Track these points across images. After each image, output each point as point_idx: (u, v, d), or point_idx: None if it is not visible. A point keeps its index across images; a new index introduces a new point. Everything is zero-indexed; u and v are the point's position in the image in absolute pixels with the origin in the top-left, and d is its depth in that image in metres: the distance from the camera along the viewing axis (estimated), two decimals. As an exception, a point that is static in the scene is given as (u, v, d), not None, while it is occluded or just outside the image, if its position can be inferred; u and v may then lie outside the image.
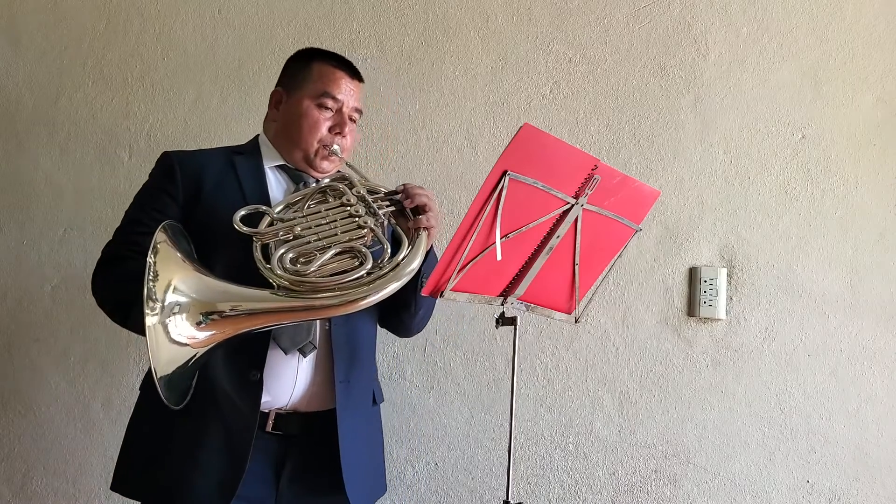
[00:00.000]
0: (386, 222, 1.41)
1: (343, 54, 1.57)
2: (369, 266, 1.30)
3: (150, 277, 1.19)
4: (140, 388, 1.53)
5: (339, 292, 1.27)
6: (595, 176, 1.42)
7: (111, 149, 2.12)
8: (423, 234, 1.39)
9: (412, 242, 1.38)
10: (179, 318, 1.22)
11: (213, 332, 1.26)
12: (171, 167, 1.50)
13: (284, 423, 1.45)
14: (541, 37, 2.17)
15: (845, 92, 2.13)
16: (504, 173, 1.34)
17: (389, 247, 1.36)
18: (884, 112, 2.12)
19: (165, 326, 1.21)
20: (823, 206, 2.10)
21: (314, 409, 1.48)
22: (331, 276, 1.29)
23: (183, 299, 1.23)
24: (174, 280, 1.24)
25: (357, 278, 1.29)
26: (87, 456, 2.05)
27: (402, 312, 1.57)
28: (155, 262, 1.21)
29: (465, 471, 2.06)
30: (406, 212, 1.42)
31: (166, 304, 1.21)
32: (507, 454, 1.47)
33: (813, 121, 2.12)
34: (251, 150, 1.59)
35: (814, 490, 2.03)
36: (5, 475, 2.05)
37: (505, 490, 1.47)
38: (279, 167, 1.58)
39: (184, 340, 1.23)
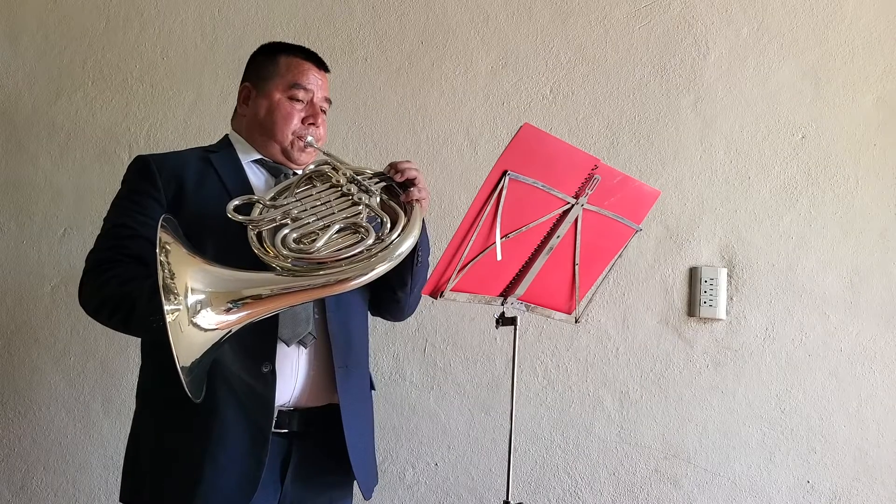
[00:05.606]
0: (378, 199, 1.42)
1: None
2: (373, 238, 1.31)
3: (166, 275, 1.18)
4: (137, 396, 1.50)
5: (347, 266, 1.28)
6: (595, 176, 1.42)
7: (111, 149, 2.12)
8: (417, 206, 1.41)
9: (408, 215, 1.39)
10: (205, 311, 1.21)
11: (246, 312, 1.26)
12: (149, 169, 1.47)
13: (287, 420, 1.45)
14: (541, 37, 2.17)
15: (845, 92, 2.13)
16: (504, 173, 1.34)
17: (388, 219, 1.36)
18: (884, 112, 2.12)
19: (188, 318, 1.19)
20: (823, 206, 2.11)
21: (313, 403, 1.47)
22: (337, 250, 1.29)
23: (202, 295, 1.22)
24: (188, 274, 1.22)
25: (365, 250, 1.29)
26: (87, 456, 2.04)
27: (399, 291, 1.56)
28: (168, 260, 1.19)
29: (465, 471, 2.06)
30: (395, 188, 1.44)
31: (189, 300, 1.20)
32: (507, 454, 1.47)
33: (813, 121, 2.12)
34: (225, 148, 1.58)
35: (814, 490, 2.03)
36: (5, 475, 2.05)
37: (505, 490, 1.47)
38: (257, 161, 1.57)
39: (211, 326, 1.22)
